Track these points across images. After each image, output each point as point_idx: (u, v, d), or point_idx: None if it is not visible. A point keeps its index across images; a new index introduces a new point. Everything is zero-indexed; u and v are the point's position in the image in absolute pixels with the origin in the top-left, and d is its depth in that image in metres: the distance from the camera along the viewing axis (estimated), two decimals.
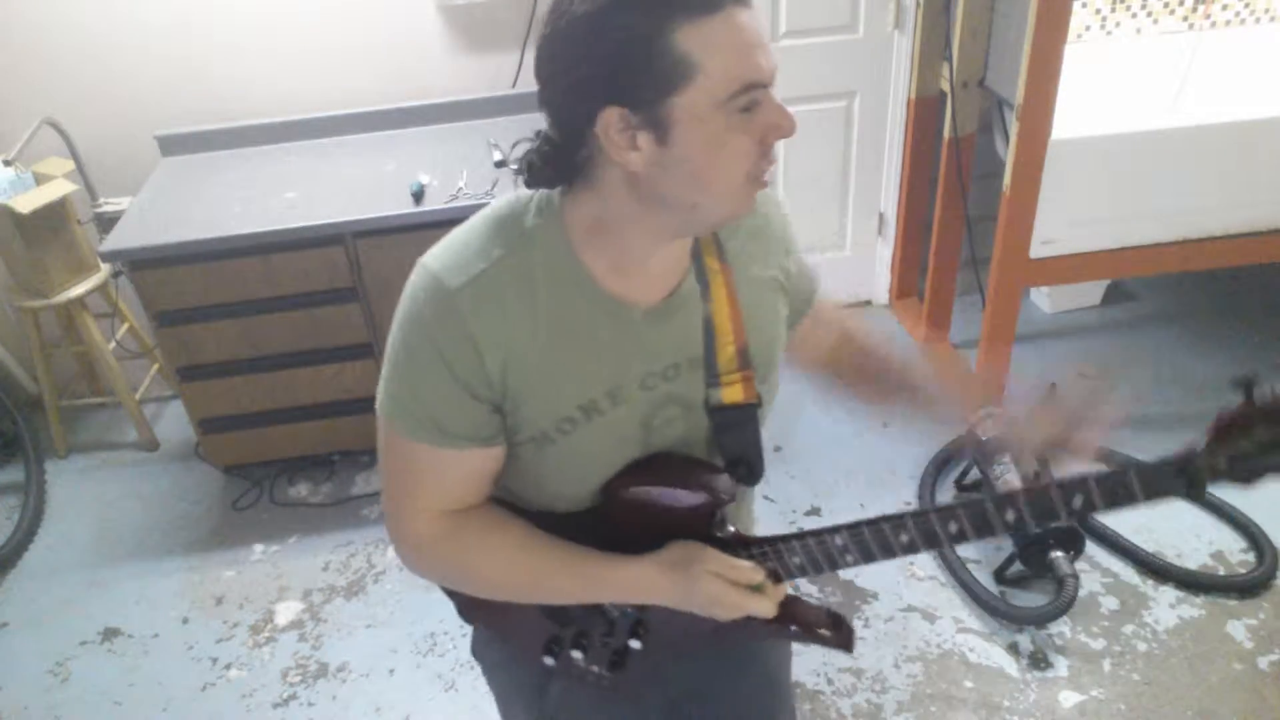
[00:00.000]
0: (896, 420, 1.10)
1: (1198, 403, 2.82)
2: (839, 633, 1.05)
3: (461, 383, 0.88)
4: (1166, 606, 2.19)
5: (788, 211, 1.06)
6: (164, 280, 2.42)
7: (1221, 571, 2.27)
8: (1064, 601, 2.07)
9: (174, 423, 3.09)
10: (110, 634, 2.36)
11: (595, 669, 1.09)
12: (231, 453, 2.76)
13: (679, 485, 0.96)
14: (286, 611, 2.38)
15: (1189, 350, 3.06)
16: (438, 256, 0.90)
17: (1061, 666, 2.08)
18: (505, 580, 0.98)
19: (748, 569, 0.95)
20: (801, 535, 0.97)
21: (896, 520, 0.93)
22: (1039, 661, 2.09)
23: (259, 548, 2.59)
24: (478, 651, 1.23)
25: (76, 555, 2.61)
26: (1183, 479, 0.83)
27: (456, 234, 0.91)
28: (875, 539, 0.95)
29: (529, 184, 0.89)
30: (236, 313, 2.49)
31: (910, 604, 2.26)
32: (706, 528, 0.98)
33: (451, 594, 1.12)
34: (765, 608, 0.96)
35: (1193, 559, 2.30)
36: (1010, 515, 0.89)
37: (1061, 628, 2.16)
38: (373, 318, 2.56)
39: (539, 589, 0.99)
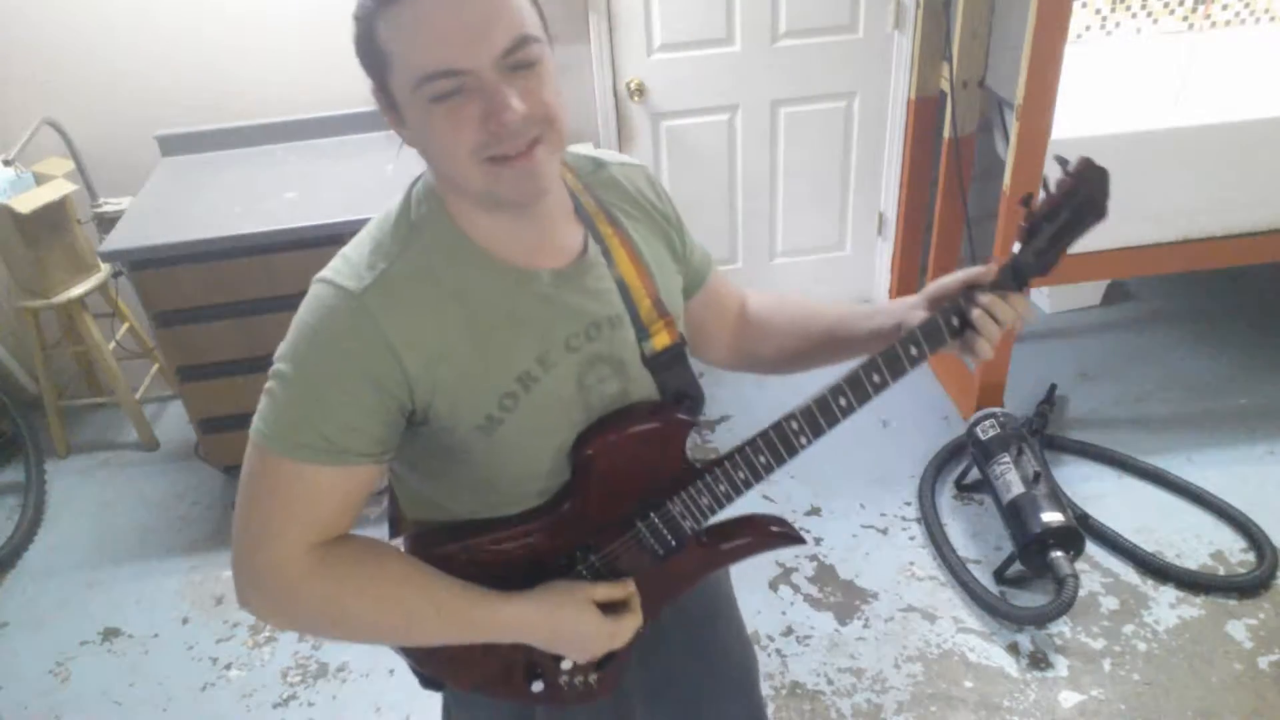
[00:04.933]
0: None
1: (1198, 402, 2.82)
2: (783, 528, 1.12)
3: (376, 390, 0.85)
4: (1166, 606, 2.19)
5: (663, 189, 1.09)
6: (164, 280, 2.42)
7: (1221, 571, 2.27)
8: (1064, 601, 2.07)
9: (174, 423, 3.09)
10: (110, 634, 2.36)
11: (580, 677, 1.08)
12: (231, 453, 2.75)
13: (644, 423, 0.99)
14: None
15: (1189, 350, 3.06)
16: (335, 269, 0.89)
17: (1061, 666, 2.08)
18: (377, 620, 0.91)
19: (620, 587, 1.01)
20: (761, 433, 1.01)
21: (835, 387, 1.00)
22: (1039, 661, 2.09)
23: None
24: (459, 702, 1.19)
25: (76, 555, 2.61)
26: (1013, 277, 1.00)
27: (349, 247, 0.92)
28: (821, 410, 1.00)
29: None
30: (236, 313, 2.49)
31: (910, 604, 2.26)
32: (681, 461, 1.02)
33: (411, 662, 1.09)
34: (630, 633, 1.02)
35: (1193, 559, 2.30)
36: (914, 350, 1.00)
37: (1061, 628, 2.16)
38: None
39: (411, 632, 0.94)
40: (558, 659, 1.04)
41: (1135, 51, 2.97)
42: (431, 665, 1.07)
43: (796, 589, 2.32)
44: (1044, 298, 3.32)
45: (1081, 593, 2.19)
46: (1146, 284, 3.42)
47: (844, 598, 2.29)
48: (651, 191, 1.06)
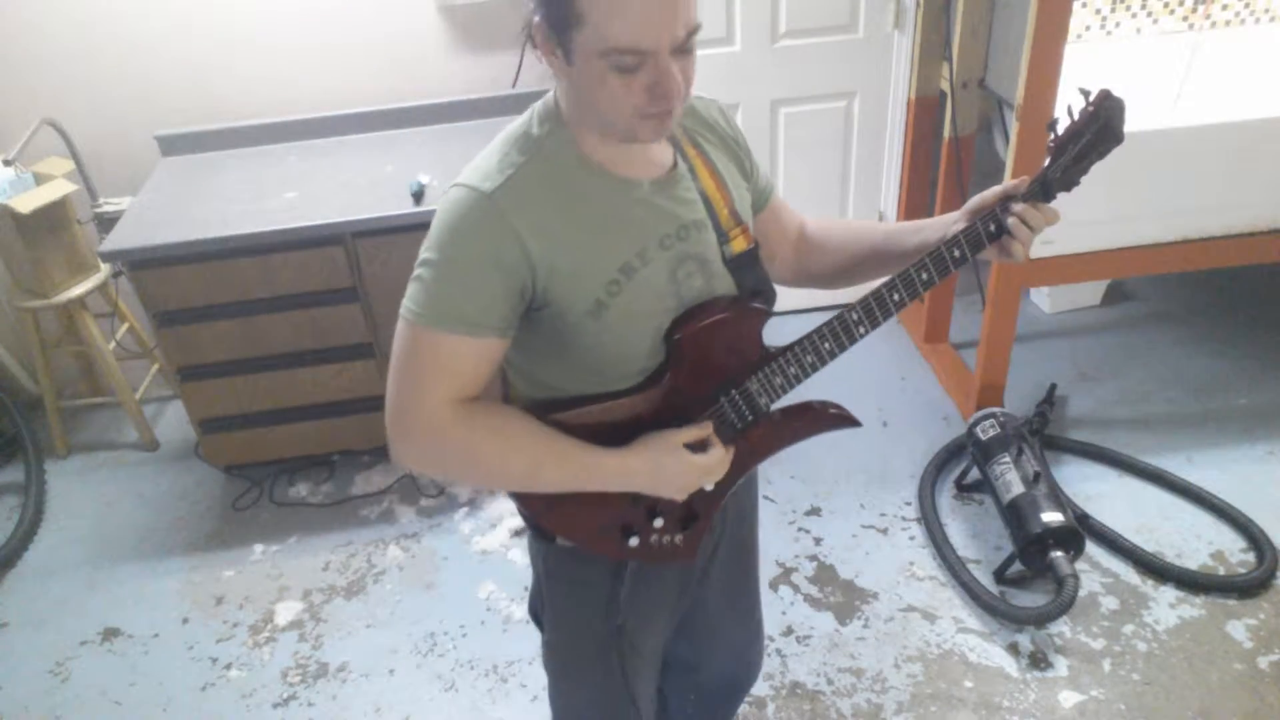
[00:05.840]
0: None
1: (1198, 403, 2.82)
2: (840, 411, 1.31)
3: (504, 273, 1.01)
4: (1166, 606, 2.19)
5: (732, 118, 1.26)
6: (164, 280, 2.42)
7: (1221, 571, 2.27)
8: (1064, 601, 2.07)
9: (174, 423, 3.09)
10: (110, 634, 2.36)
11: (668, 537, 1.23)
12: (231, 453, 2.76)
13: (725, 312, 1.14)
14: (286, 611, 2.38)
15: (1189, 350, 3.06)
16: (469, 175, 1.05)
17: (1061, 666, 2.08)
18: (506, 463, 1.08)
19: (701, 429, 1.15)
20: (826, 322, 1.18)
21: (888, 283, 1.19)
22: (1039, 661, 2.09)
23: (259, 548, 2.59)
24: (553, 571, 1.31)
25: (76, 555, 2.61)
26: (1041, 189, 1.17)
27: (479, 158, 1.07)
28: (877, 302, 1.19)
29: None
30: (236, 313, 2.49)
31: (910, 604, 2.26)
32: (758, 346, 1.19)
33: (526, 508, 1.22)
34: (720, 468, 1.18)
35: (1193, 559, 2.30)
36: (956, 253, 1.18)
37: (1061, 628, 2.16)
38: (373, 318, 2.56)
39: (533, 477, 1.10)
40: (651, 519, 1.20)
41: (1135, 51, 2.97)
42: (547, 518, 1.21)
43: (796, 589, 2.32)
44: (1044, 297, 3.32)
45: (1081, 593, 2.19)
46: (1146, 284, 3.42)
47: (844, 598, 2.29)
48: (723, 120, 1.23)
